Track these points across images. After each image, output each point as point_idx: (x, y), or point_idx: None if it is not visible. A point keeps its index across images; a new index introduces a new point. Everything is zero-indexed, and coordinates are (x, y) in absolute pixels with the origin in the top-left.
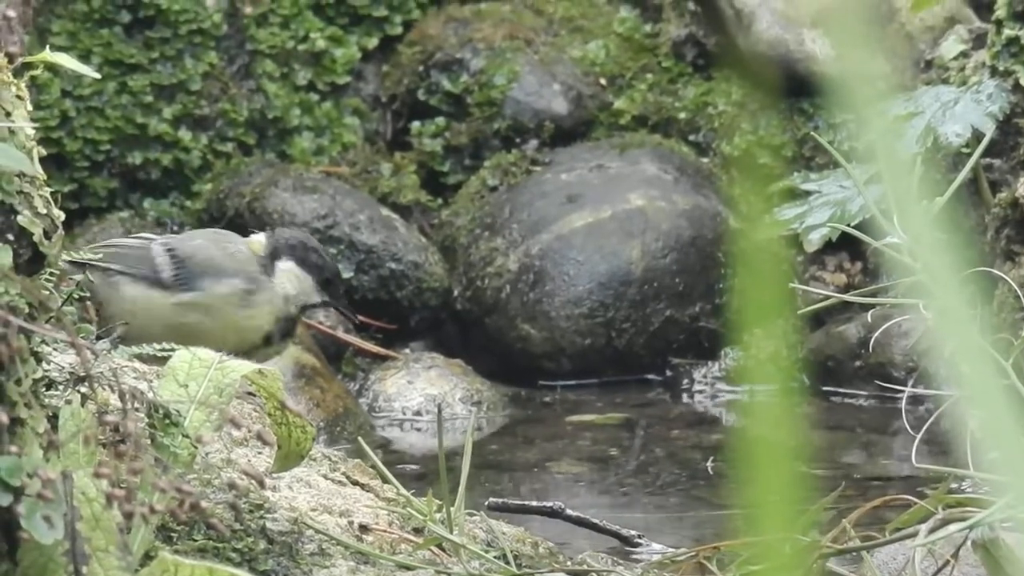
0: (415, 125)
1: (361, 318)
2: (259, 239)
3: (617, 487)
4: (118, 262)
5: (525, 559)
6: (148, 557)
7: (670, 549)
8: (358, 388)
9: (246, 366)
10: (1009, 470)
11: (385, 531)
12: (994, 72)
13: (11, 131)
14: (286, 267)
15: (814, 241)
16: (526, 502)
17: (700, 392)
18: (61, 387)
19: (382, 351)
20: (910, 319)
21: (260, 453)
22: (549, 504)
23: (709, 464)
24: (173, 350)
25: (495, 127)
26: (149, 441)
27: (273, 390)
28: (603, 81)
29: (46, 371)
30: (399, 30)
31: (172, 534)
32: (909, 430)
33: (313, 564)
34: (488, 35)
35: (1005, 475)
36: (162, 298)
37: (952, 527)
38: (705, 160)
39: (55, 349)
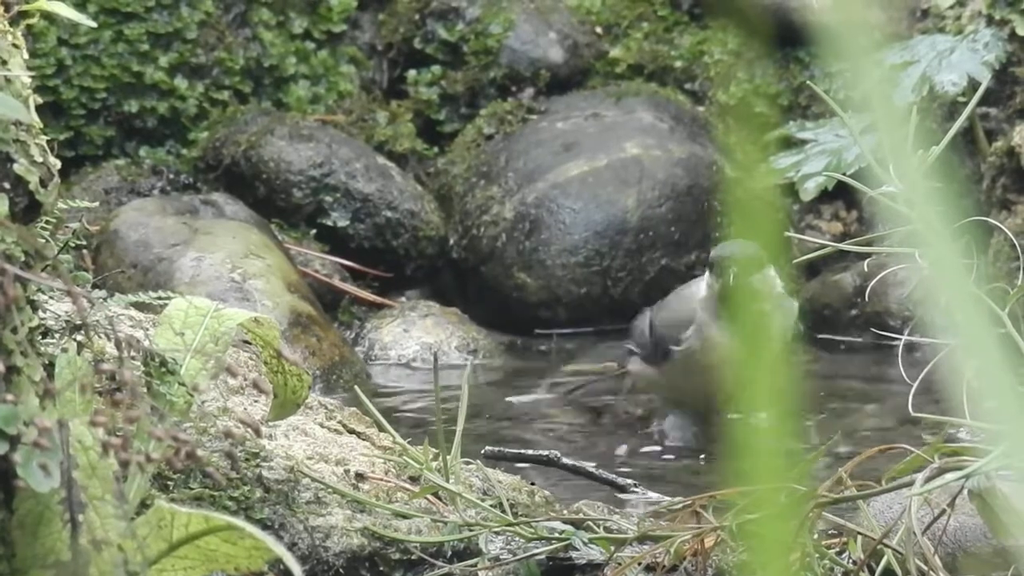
0: (411, 73)
1: (357, 266)
2: None
3: (613, 435)
4: (631, 339)
5: (521, 507)
6: (144, 505)
7: (666, 497)
8: (354, 336)
9: (242, 314)
10: (1005, 418)
11: (381, 479)
12: (990, 21)
13: (7, 79)
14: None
15: (810, 190)
16: (522, 451)
17: None
18: (57, 335)
19: (378, 299)
20: (906, 268)
21: (256, 401)
22: (545, 453)
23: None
24: (169, 298)
25: (491, 76)
26: (145, 389)
27: (269, 338)
28: (599, 30)
29: (42, 319)
30: None
31: (168, 482)
32: (905, 379)
33: (309, 512)
34: None
35: (1001, 424)
36: (654, 372)
37: (949, 476)
38: (701, 109)
39: (51, 297)
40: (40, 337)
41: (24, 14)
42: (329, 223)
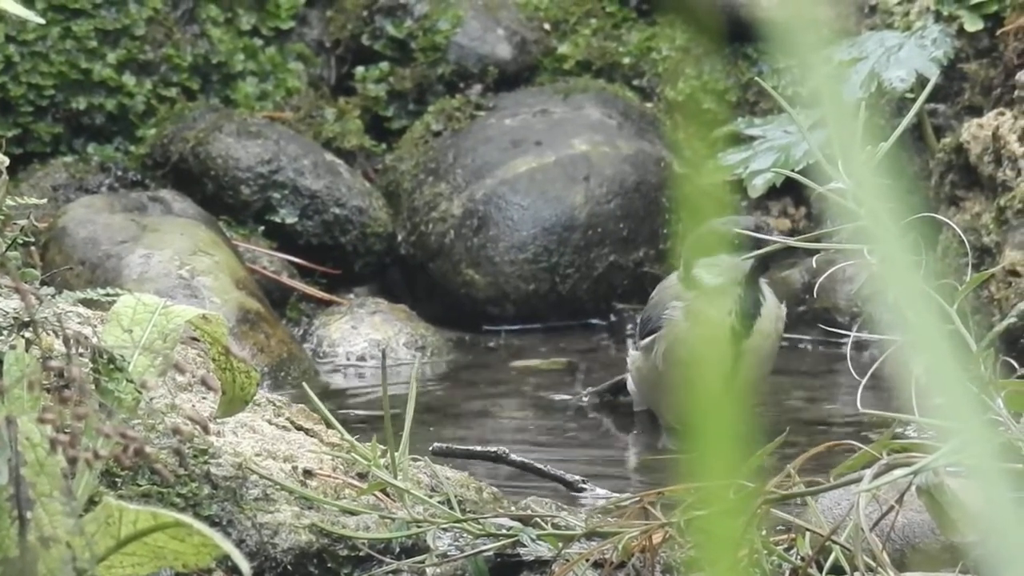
0: (359, 70)
1: (305, 263)
2: None
3: (561, 432)
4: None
5: (469, 504)
6: (92, 502)
7: (614, 494)
8: (302, 333)
9: (190, 311)
10: (953, 415)
11: (329, 476)
12: (938, 17)
13: None
14: (702, 263)
15: (758, 186)
16: (470, 447)
17: None
18: (5, 332)
19: (326, 296)
20: (854, 264)
21: (204, 398)
22: (493, 449)
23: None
24: (118, 295)
25: (439, 72)
26: (93, 386)
27: (217, 335)
28: (547, 26)
29: None
30: None
31: (116, 479)
32: (854, 375)
33: (257, 509)
34: None
35: (949, 420)
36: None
37: (897, 472)
38: (649, 105)
39: None
40: None
41: None
42: (277, 220)
